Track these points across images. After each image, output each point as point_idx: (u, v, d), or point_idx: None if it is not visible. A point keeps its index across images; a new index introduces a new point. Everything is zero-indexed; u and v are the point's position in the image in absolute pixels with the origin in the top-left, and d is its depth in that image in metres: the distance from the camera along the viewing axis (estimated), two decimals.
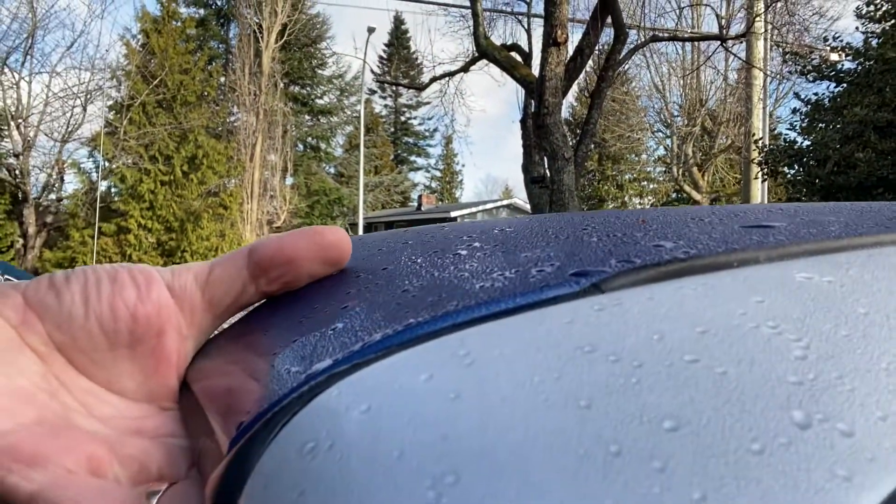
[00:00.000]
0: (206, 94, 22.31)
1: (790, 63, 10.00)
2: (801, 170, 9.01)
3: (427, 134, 34.79)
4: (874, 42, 8.42)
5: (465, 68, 9.52)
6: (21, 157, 17.45)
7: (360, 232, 16.83)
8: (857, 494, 0.12)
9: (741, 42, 9.79)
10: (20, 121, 17.51)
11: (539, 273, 0.24)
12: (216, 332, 0.30)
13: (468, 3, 8.04)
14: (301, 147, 28.66)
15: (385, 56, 32.66)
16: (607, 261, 0.24)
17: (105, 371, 0.26)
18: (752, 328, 0.18)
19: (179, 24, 22.36)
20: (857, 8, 8.94)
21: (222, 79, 24.19)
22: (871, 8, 8.80)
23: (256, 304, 0.30)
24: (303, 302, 0.28)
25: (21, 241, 18.95)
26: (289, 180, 25.85)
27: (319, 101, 29.26)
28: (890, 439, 0.13)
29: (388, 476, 0.16)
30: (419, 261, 0.29)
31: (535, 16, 8.36)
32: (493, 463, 0.15)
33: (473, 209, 22.65)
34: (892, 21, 8.44)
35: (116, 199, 19.96)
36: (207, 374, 0.27)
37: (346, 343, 0.22)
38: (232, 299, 0.29)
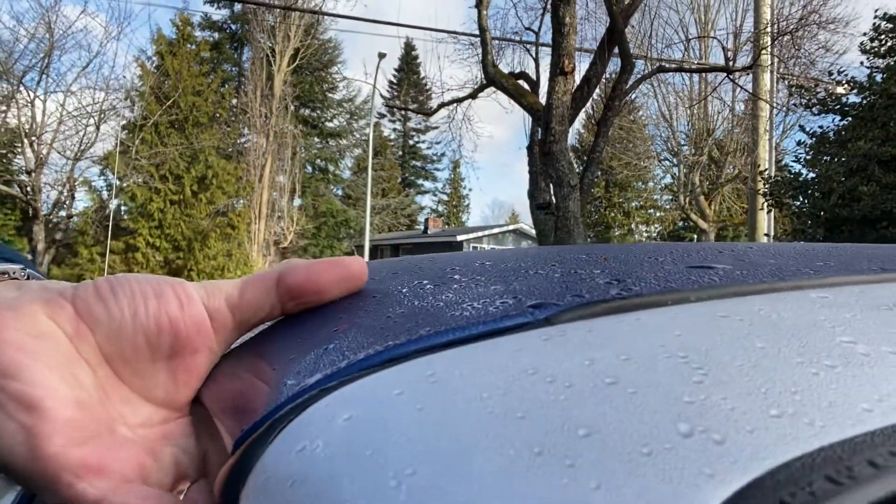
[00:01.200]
0: (217, 115, 22.61)
1: (796, 96, 10.09)
2: (806, 202, 9.04)
3: (435, 158, 35.07)
4: (878, 77, 8.50)
5: (473, 95, 9.64)
6: (33, 175, 17.68)
7: (366, 254, 16.91)
8: (716, 488, 0.15)
9: (748, 74, 9.90)
10: (34, 138, 17.76)
11: (502, 304, 0.28)
12: None
13: (477, 32, 8.18)
14: (310, 169, 28.92)
15: (395, 81, 33.08)
16: (563, 296, 0.28)
17: (143, 380, 0.28)
18: (665, 357, 0.22)
19: (194, 47, 22.75)
20: (862, 44, 9.04)
21: (234, 101, 24.55)
22: (876, 44, 8.89)
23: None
24: (301, 323, 0.32)
25: (30, 257, 19.09)
26: (297, 201, 26.07)
27: (329, 124, 29.60)
28: (752, 446, 0.17)
29: (363, 469, 0.19)
30: (404, 290, 0.33)
31: (543, 45, 8.49)
32: (444, 458, 0.18)
33: (479, 233, 22.73)
34: None
35: (126, 217, 20.15)
36: (216, 387, 0.31)
37: (334, 361, 0.26)
38: (259, 320, 0.32)
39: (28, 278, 0.33)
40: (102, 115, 19.24)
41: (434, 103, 11.37)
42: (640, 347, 0.23)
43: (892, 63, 8.47)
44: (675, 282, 0.30)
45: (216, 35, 26.54)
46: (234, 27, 26.86)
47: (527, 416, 0.19)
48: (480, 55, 8.10)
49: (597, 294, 0.28)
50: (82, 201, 19.96)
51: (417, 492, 0.18)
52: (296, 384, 0.25)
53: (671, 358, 0.22)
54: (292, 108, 25.54)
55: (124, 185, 19.52)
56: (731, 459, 0.16)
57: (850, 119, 8.64)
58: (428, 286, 0.33)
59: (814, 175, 9.07)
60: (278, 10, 21.17)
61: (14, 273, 0.33)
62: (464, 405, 0.21)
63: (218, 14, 26.50)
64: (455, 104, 10.15)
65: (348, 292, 0.33)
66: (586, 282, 0.30)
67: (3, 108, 17.06)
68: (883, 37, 8.80)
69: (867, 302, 0.27)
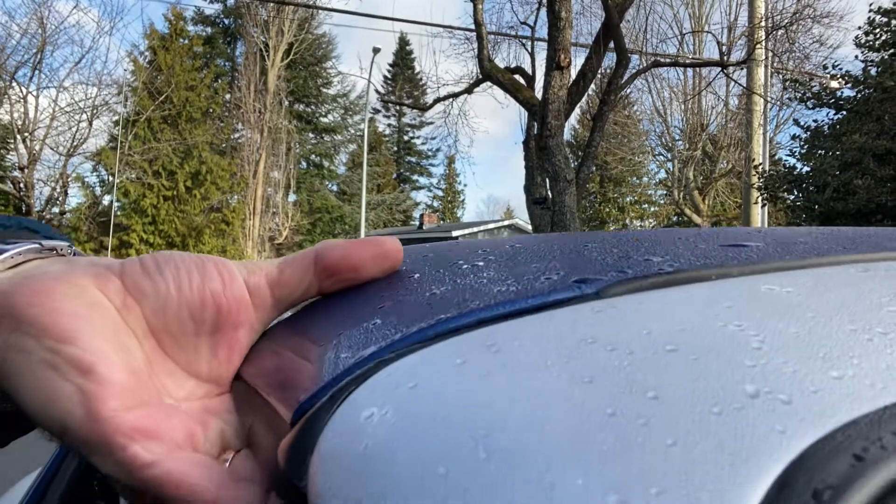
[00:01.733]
0: (211, 110, 22.54)
1: (790, 90, 10.12)
2: (801, 195, 9.09)
3: (430, 154, 35.05)
4: (873, 71, 8.53)
5: (468, 90, 9.64)
6: (26, 171, 17.58)
7: None
8: (789, 442, 0.16)
9: (742, 68, 9.92)
10: (26, 134, 17.66)
11: (546, 281, 0.28)
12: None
13: (473, 27, 8.18)
14: (304, 164, 28.86)
15: (390, 76, 33.01)
16: (606, 272, 0.29)
17: (186, 354, 0.29)
18: (721, 326, 0.22)
19: (187, 41, 22.65)
20: (857, 37, 9.07)
21: (227, 96, 24.45)
22: (871, 37, 8.93)
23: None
24: (340, 302, 0.32)
25: None
26: (291, 197, 26.00)
27: (324, 120, 29.53)
28: (818, 405, 0.17)
29: (437, 431, 0.20)
30: (441, 270, 0.34)
31: (539, 40, 8.49)
32: (517, 419, 0.19)
33: (475, 229, 22.75)
34: (891, 50, 8.56)
35: (119, 213, 20.06)
36: (259, 363, 0.31)
37: (387, 334, 0.26)
38: (296, 298, 0.32)
39: (73, 255, 0.33)
40: (95, 111, 19.15)
41: (429, 98, 11.37)
42: (694, 318, 0.23)
43: (887, 57, 8.51)
44: (714, 259, 0.30)
45: (209, 30, 26.42)
46: (227, 22, 26.75)
47: (594, 381, 0.20)
48: (476, 50, 8.09)
49: (640, 270, 0.28)
50: (75, 197, 19.89)
51: (496, 450, 0.18)
52: (350, 356, 0.26)
53: (726, 326, 0.22)
54: (286, 103, 25.47)
55: (117, 181, 19.43)
56: (799, 417, 0.17)
57: (844, 113, 8.68)
58: (465, 266, 0.34)
59: (808, 169, 9.12)
60: (272, 4, 21.06)
61: (62, 250, 0.33)
62: (528, 371, 0.21)
63: (211, 8, 26.38)
64: (451, 99, 10.14)
65: (384, 272, 0.33)
66: (626, 259, 0.31)
67: None
68: (877, 30, 8.84)
69: None
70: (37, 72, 18.04)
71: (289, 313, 0.35)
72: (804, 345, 0.21)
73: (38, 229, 0.35)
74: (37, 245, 0.32)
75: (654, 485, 0.16)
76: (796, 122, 9.76)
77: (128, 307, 0.28)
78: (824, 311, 0.23)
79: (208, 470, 0.26)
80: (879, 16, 8.85)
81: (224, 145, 23.02)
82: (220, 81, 24.57)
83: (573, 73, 7.06)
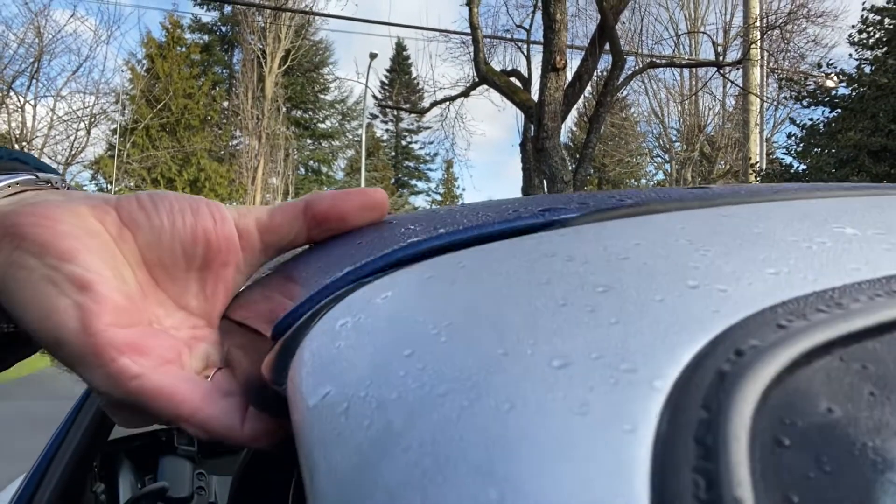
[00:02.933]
0: (209, 118, 22.58)
1: (786, 89, 10.16)
2: None
3: (428, 158, 35.10)
4: (867, 68, 8.58)
5: (465, 93, 9.67)
6: None
7: None
8: (721, 320, 0.19)
9: (738, 69, 9.96)
10: (24, 144, 17.68)
11: (514, 212, 0.30)
12: None
13: (469, 30, 8.21)
14: (303, 170, 28.90)
15: (387, 81, 33.09)
16: (571, 205, 0.30)
17: (177, 287, 0.31)
18: (673, 241, 0.25)
19: (184, 49, 22.72)
20: (850, 35, 9.12)
21: (225, 103, 24.49)
22: (864, 35, 8.98)
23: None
24: (326, 246, 0.34)
25: None
26: None
27: (321, 126, 29.58)
28: (752, 293, 0.20)
29: (404, 324, 0.22)
30: (419, 216, 0.36)
31: (535, 42, 8.53)
32: (477, 313, 0.21)
33: None
34: (885, 48, 8.61)
35: None
36: (248, 305, 0.33)
37: (364, 256, 0.28)
38: (285, 245, 0.33)
39: (67, 189, 0.35)
40: (93, 120, 19.17)
41: (426, 103, 11.40)
42: (649, 236, 0.25)
43: (881, 54, 8.55)
44: (678, 196, 0.32)
45: (206, 37, 26.49)
46: (224, 29, 26.82)
47: (550, 282, 0.22)
48: (472, 53, 8.12)
49: (605, 203, 0.30)
50: None
51: (456, 336, 0.20)
52: (328, 278, 0.28)
53: (678, 241, 0.24)
54: (284, 109, 25.53)
55: (116, 189, 19.45)
56: (733, 301, 0.19)
57: (839, 111, 8.72)
58: (441, 212, 0.36)
59: (805, 167, 9.15)
60: (269, 10, 21.16)
61: (56, 183, 0.35)
62: (490, 278, 0.23)
63: (208, 16, 26.47)
64: (447, 102, 10.18)
65: (370, 221, 0.35)
66: (593, 198, 0.33)
67: None
68: (871, 29, 8.89)
69: (856, 204, 0.30)
70: (34, 81, 18.08)
71: (277, 261, 0.37)
72: (747, 251, 0.23)
73: (27, 160, 0.36)
74: (33, 176, 0.33)
75: (594, 351, 0.18)
76: (792, 121, 9.80)
77: (123, 238, 0.29)
78: (771, 227, 0.25)
79: (192, 383, 0.28)
80: (872, 14, 8.90)
81: (222, 152, 23.07)
82: (217, 89, 24.64)
83: (569, 75, 7.09)
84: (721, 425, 0.16)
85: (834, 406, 0.17)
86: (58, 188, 0.35)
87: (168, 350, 0.28)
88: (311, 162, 29.54)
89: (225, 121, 24.08)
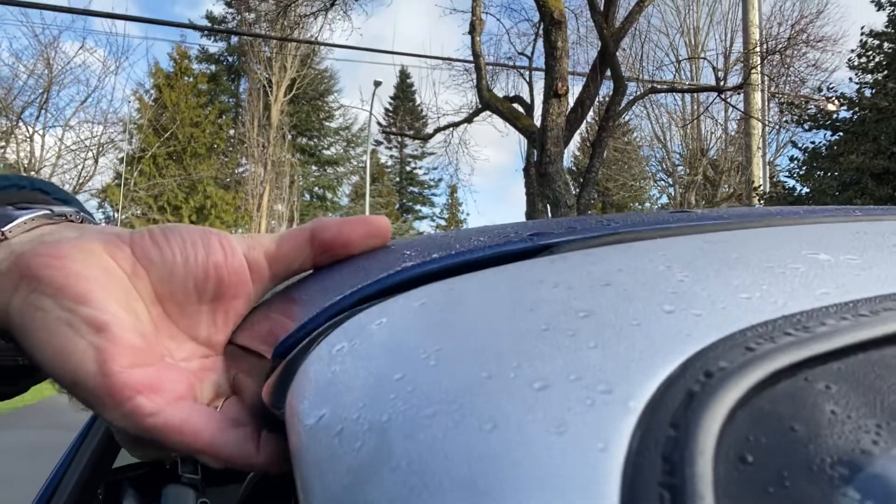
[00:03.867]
0: (215, 146, 22.81)
1: (787, 113, 10.22)
2: None
3: (432, 183, 35.27)
4: (867, 92, 8.63)
5: (468, 119, 9.76)
6: None
7: None
8: (693, 343, 0.20)
9: (739, 93, 10.03)
10: (32, 173, 17.84)
11: (504, 237, 0.31)
12: None
13: (472, 58, 8.31)
14: (308, 196, 29.08)
15: (391, 108, 33.42)
16: (560, 232, 0.32)
17: (188, 320, 0.32)
18: (653, 267, 0.26)
19: (191, 79, 23.04)
20: (850, 60, 9.19)
21: (231, 131, 24.76)
22: (864, 59, 9.05)
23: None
24: (328, 272, 0.35)
25: None
26: None
27: (326, 152, 29.82)
28: (724, 317, 0.21)
29: (398, 349, 0.23)
30: (415, 242, 0.37)
31: (537, 69, 8.62)
32: (464, 338, 0.22)
33: None
34: (885, 72, 8.67)
35: None
36: (251, 328, 0.34)
37: (360, 281, 0.29)
38: (292, 272, 0.34)
39: (82, 221, 0.36)
40: (101, 149, 19.37)
41: (430, 129, 11.50)
42: (631, 263, 0.27)
43: (881, 78, 8.61)
44: (663, 222, 0.33)
45: (213, 67, 26.87)
46: (230, 59, 27.22)
47: (534, 309, 0.23)
48: (475, 80, 8.21)
49: (592, 230, 0.31)
50: None
51: (444, 360, 0.21)
52: (328, 302, 0.29)
53: (657, 267, 0.26)
54: (289, 137, 25.77)
55: (123, 216, 19.57)
56: (706, 324, 0.21)
57: (841, 134, 8.75)
58: (438, 237, 0.37)
59: (808, 190, 9.16)
60: (275, 41, 21.49)
61: (70, 216, 0.36)
62: (478, 304, 0.25)
63: (215, 46, 26.90)
64: (451, 129, 10.26)
65: (374, 248, 0.36)
66: (581, 222, 0.34)
67: (3, 143, 17.20)
68: (870, 53, 8.96)
69: (833, 229, 0.31)
70: (43, 111, 18.32)
71: (282, 285, 0.38)
72: (723, 277, 0.24)
73: (49, 191, 0.37)
74: (48, 211, 0.34)
75: (572, 373, 0.19)
76: (794, 145, 9.84)
77: (136, 274, 0.30)
78: (747, 254, 0.26)
79: (205, 416, 0.28)
80: (872, 38, 8.98)
81: (228, 179, 23.27)
82: (224, 117, 24.94)
83: (571, 100, 7.16)
84: (687, 443, 0.16)
85: (797, 425, 0.18)
86: (72, 221, 0.36)
87: (181, 384, 0.29)
88: (317, 188, 29.72)
89: (231, 149, 24.31)
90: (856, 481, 0.17)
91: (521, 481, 0.16)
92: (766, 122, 11.27)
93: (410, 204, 35.19)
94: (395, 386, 0.21)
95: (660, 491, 0.16)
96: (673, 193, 21.39)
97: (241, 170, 24.39)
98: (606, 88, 8.15)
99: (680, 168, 20.71)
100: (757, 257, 0.26)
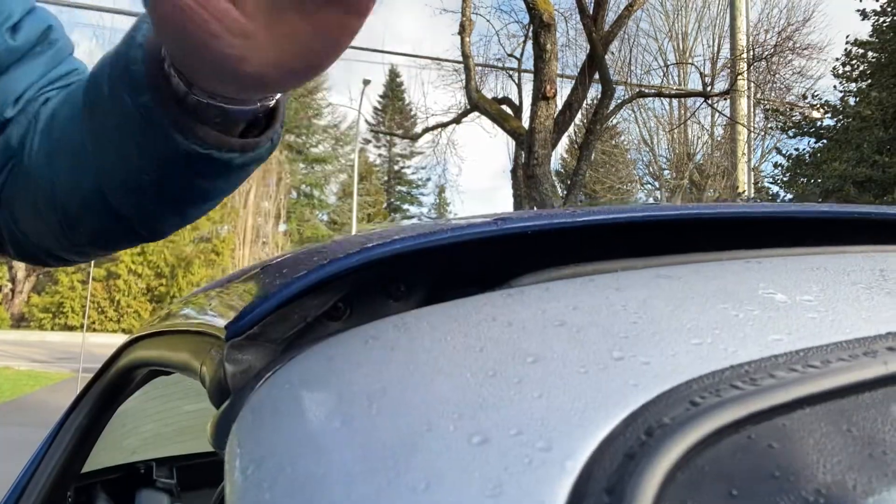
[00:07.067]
0: None
1: (772, 120, 10.31)
2: None
3: (420, 183, 35.24)
4: (851, 100, 8.73)
5: (457, 120, 9.76)
6: None
7: None
8: (639, 394, 0.20)
9: (725, 99, 10.10)
10: None
11: (455, 223, 0.31)
12: None
13: (461, 59, 8.32)
14: (295, 194, 28.95)
15: (380, 107, 33.34)
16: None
17: None
18: (608, 306, 0.26)
19: None
20: (834, 68, 9.29)
21: None
22: (848, 68, 9.15)
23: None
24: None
25: (10, 285, 18.88)
26: (282, 227, 26.04)
27: (314, 150, 29.71)
28: (672, 365, 0.21)
29: (334, 394, 0.23)
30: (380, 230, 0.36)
31: (526, 71, 8.64)
32: (413, 381, 0.22)
33: None
34: (868, 80, 8.78)
35: None
36: None
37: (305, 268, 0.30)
38: None
39: None
40: None
41: (419, 129, 11.49)
42: (587, 300, 0.26)
43: (864, 86, 8.71)
44: (630, 211, 0.33)
45: None
46: None
47: (483, 350, 0.23)
48: (464, 81, 8.21)
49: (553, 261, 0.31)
50: None
51: (386, 408, 0.21)
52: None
53: (613, 305, 0.25)
54: None
55: None
56: (654, 374, 0.21)
57: (824, 141, 8.85)
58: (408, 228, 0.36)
59: (791, 196, 9.25)
60: None
61: None
62: (428, 343, 0.24)
63: None
64: (440, 129, 10.26)
65: None
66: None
67: None
68: (855, 61, 9.07)
69: (793, 264, 0.31)
70: None
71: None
72: (676, 320, 0.24)
73: None
74: None
75: (513, 427, 0.19)
76: (778, 151, 9.94)
77: None
78: (703, 293, 0.26)
79: None
80: (856, 47, 9.09)
81: None
82: None
83: (559, 103, 7.18)
84: None
85: (735, 489, 0.17)
86: None
87: None
88: (304, 186, 29.60)
89: None
90: None
91: None
92: (752, 129, 11.36)
93: (398, 203, 35.14)
94: (334, 436, 0.20)
95: None
96: (659, 197, 21.50)
97: None
98: (595, 91, 8.18)
99: (666, 172, 20.83)
100: (713, 298, 0.26)
